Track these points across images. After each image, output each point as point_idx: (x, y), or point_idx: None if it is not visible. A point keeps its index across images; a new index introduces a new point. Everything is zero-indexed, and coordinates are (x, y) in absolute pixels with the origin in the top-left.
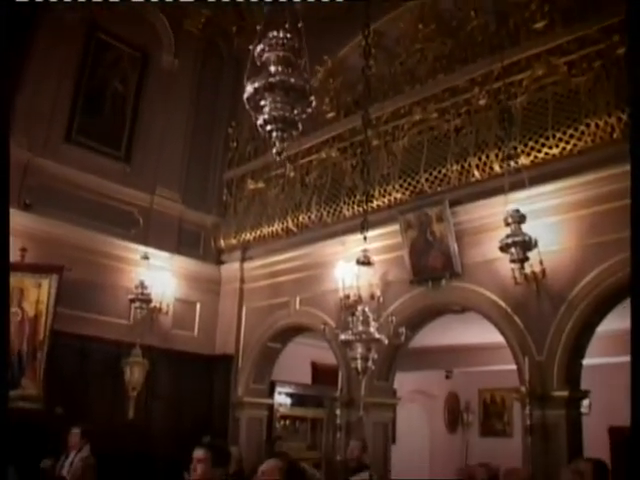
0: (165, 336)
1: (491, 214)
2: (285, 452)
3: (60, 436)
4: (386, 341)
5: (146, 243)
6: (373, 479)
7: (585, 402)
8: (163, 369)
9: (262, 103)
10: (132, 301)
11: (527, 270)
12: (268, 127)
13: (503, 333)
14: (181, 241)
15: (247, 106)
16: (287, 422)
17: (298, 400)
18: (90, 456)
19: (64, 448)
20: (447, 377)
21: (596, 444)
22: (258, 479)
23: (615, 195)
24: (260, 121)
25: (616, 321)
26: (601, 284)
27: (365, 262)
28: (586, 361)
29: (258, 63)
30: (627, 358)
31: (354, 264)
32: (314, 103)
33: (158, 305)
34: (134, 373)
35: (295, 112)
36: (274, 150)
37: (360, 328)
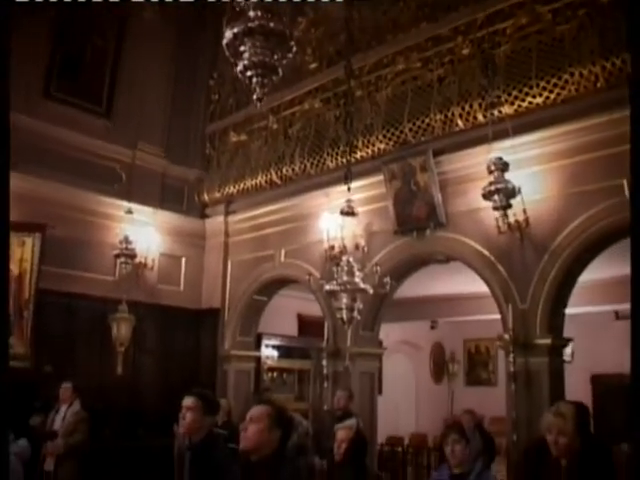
0: (151, 291)
1: (475, 164)
2: (273, 399)
3: (49, 393)
4: (371, 291)
5: (129, 199)
6: (360, 425)
7: (568, 350)
8: (150, 324)
9: (242, 49)
10: (117, 257)
11: (511, 219)
12: (248, 73)
13: (487, 282)
14: (164, 196)
15: (227, 53)
16: (274, 374)
17: (285, 352)
18: (82, 410)
19: (54, 404)
20: (432, 327)
21: (578, 392)
22: (246, 425)
23: (598, 144)
24: (240, 67)
25: (598, 271)
26: (583, 233)
27: (349, 213)
28: (569, 310)
29: (237, 9)
30: (609, 307)
31: (338, 215)
32: (294, 48)
33: (143, 260)
34: (121, 329)
35: (275, 57)
36: (254, 96)
37: (345, 278)
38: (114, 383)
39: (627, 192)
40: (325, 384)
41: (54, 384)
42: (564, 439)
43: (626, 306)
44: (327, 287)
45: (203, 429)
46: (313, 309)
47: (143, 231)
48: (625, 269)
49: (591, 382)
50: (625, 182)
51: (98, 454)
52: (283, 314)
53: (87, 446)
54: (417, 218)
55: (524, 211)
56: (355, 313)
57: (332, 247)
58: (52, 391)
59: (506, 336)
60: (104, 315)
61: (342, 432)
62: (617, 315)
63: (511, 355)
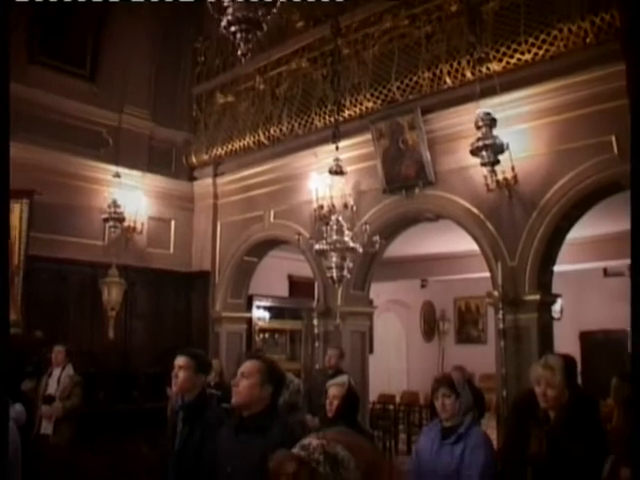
0: (141, 255)
1: (463, 121)
2: (265, 355)
3: (41, 359)
4: (360, 250)
5: (117, 163)
6: (351, 382)
7: (557, 307)
8: (141, 288)
9: (226, 4)
10: (105, 221)
11: (499, 177)
12: (232, 28)
13: (476, 240)
14: (152, 159)
15: (211, 10)
16: (266, 335)
17: (276, 313)
18: (76, 374)
19: (45, 368)
20: (422, 286)
21: (567, 348)
22: (238, 381)
23: (586, 101)
24: (224, 23)
25: (586, 228)
26: (572, 190)
27: (337, 172)
28: (557, 268)
29: None
30: (597, 264)
31: (327, 175)
32: (279, 3)
33: (132, 224)
34: (112, 293)
35: (259, 13)
36: (239, 52)
37: (334, 237)
38: (106, 347)
39: (616, 149)
40: (316, 344)
41: (45, 349)
42: (552, 391)
43: (614, 263)
44: (317, 246)
45: (195, 388)
46: (303, 270)
47: (131, 195)
48: (613, 226)
49: (580, 338)
50: (614, 138)
51: (92, 418)
52: (274, 275)
53: (82, 409)
54: (406, 176)
55: (512, 168)
56: (345, 272)
57: (321, 207)
58: (43, 355)
59: (495, 293)
60: (94, 280)
61: (334, 389)
62: (605, 272)
63: (500, 312)
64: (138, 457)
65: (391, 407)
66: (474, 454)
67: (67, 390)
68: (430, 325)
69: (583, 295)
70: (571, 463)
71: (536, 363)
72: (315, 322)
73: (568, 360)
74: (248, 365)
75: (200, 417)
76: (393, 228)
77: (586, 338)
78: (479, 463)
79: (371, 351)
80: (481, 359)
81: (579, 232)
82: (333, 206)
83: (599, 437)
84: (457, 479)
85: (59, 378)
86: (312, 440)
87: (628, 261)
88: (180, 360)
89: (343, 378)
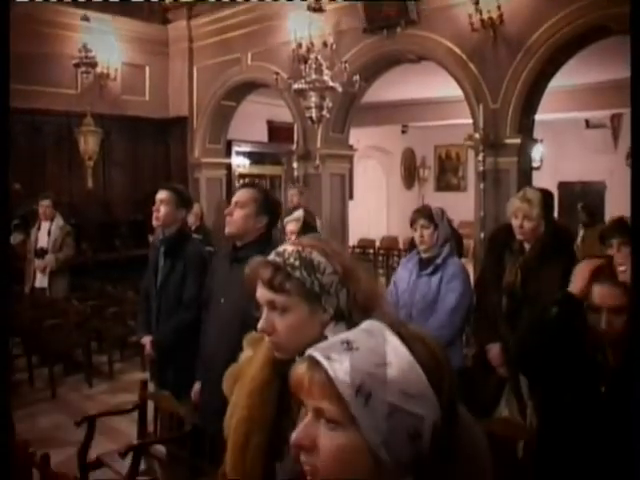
0: (116, 103)
1: None
2: (258, 183)
3: (24, 211)
4: (340, 89)
5: (86, 6)
6: (307, 216)
7: (537, 156)
8: (117, 136)
9: None
10: (77, 66)
11: (484, 16)
12: None
13: (459, 82)
14: (123, 1)
15: None
16: (246, 181)
17: (256, 158)
18: (65, 225)
19: (33, 221)
20: (403, 132)
21: None
22: (232, 210)
23: None
24: None
25: (570, 77)
26: (558, 33)
27: (316, 8)
28: (539, 117)
29: None
30: (580, 114)
31: (306, 13)
32: None
33: (105, 71)
34: (88, 142)
35: None
36: None
37: (313, 76)
38: (85, 197)
39: None
40: (303, 187)
41: (25, 202)
42: (529, 223)
43: (596, 114)
44: (295, 86)
45: (176, 222)
46: (283, 115)
47: (103, 40)
48: (597, 76)
49: (558, 188)
50: None
51: (77, 268)
52: (253, 121)
53: (82, 262)
54: (387, 15)
55: (498, 7)
56: (324, 112)
57: (299, 46)
58: (27, 208)
59: (476, 135)
60: (70, 130)
61: (291, 225)
62: (587, 124)
63: (481, 154)
64: (124, 301)
65: (371, 251)
66: (451, 284)
67: (59, 242)
68: (410, 172)
69: (563, 146)
70: (545, 292)
71: (514, 196)
72: (295, 165)
73: (546, 194)
74: (243, 194)
75: (181, 250)
76: (374, 69)
77: (564, 188)
78: (456, 292)
79: (351, 197)
80: (460, 206)
81: (563, 80)
82: (312, 44)
83: (572, 266)
84: (434, 309)
85: (49, 230)
86: (287, 247)
87: (609, 112)
88: (161, 194)
89: (298, 213)
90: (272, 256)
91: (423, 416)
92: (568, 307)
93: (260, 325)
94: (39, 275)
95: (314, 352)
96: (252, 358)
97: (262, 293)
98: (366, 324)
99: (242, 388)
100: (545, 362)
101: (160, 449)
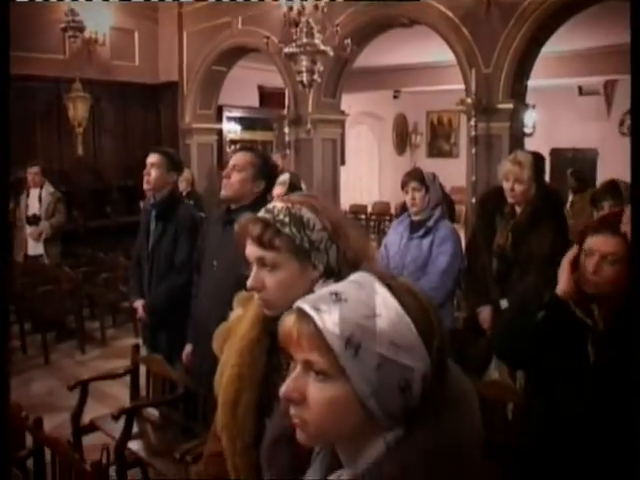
0: (105, 68)
1: None
2: (256, 147)
3: (15, 179)
4: (331, 53)
5: None
6: (293, 179)
7: (529, 122)
8: (107, 103)
9: None
10: (64, 30)
11: None
12: None
13: (451, 46)
14: None
15: None
16: (237, 147)
17: (247, 124)
18: (56, 191)
19: (22, 188)
20: (395, 97)
21: None
22: (229, 173)
23: None
24: None
25: (563, 42)
26: None
27: None
28: (532, 83)
29: None
30: (573, 80)
31: None
32: None
33: (93, 35)
34: (77, 109)
35: None
36: None
37: (304, 40)
38: (76, 164)
39: None
40: (287, 152)
41: (15, 169)
42: (520, 186)
43: (590, 80)
44: (286, 50)
45: (167, 185)
46: (274, 81)
47: (90, 4)
48: (590, 42)
49: (550, 155)
50: None
51: (70, 235)
52: (243, 86)
53: (73, 229)
54: None
55: None
56: (316, 76)
57: (290, 9)
58: (14, 176)
59: (469, 100)
60: (59, 96)
61: (277, 188)
62: (580, 91)
63: (473, 119)
64: (116, 267)
65: (363, 217)
66: (442, 247)
67: (51, 208)
68: (402, 138)
69: (556, 113)
70: (535, 255)
71: (505, 159)
72: (286, 130)
73: (537, 156)
74: (241, 157)
75: (173, 214)
76: (365, 33)
77: (556, 155)
78: (447, 255)
79: (343, 163)
80: (452, 173)
81: (556, 46)
82: (303, 8)
83: (563, 230)
84: (425, 272)
85: (40, 197)
86: (277, 203)
87: (603, 79)
88: (152, 158)
89: (284, 177)
90: (261, 213)
91: (413, 368)
92: (555, 310)
93: (249, 282)
94: (31, 242)
95: (302, 304)
96: (242, 317)
97: (251, 250)
98: (355, 276)
99: (232, 346)
100: (530, 355)
101: (153, 412)
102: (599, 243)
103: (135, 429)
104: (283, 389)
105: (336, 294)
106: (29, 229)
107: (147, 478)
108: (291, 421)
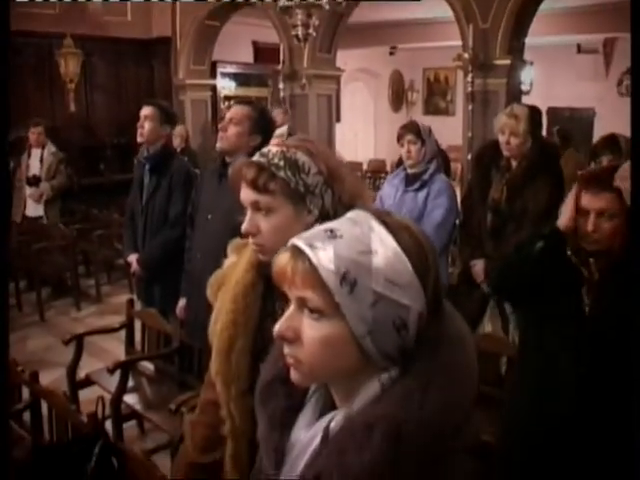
0: (97, 23)
1: None
2: (254, 101)
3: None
4: (327, 7)
5: None
6: (290, 130)
7: (527, 79)
8: (99, 58)
9: None
10: None
11: None
12: None
13: (448, 1)
14: None
15: None
16: (231, 103)
17: (241, 80)
18: (58, 151)
19: (23, 148)
20: (391, 54)
21: None
22: (226, 125)
23: None
24: None
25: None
26: None
27: None
28: (530, 40)
29: None
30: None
31: None
32: None
33: None
34: (69, 65)
35: None
36: None
37: None
38: (68, 121)
39: None
40: (284, 106)
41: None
42: (516, 140)
43: (589, 38)
44: (281, 3)
45: (161, 139)
46: (269, 36)
47: None
48: None
49: (547, 114)
50: None
51: (65, 192)
52: (238, 42)
53: (68, 187)
54: None
55: None
56: (311, 30)
57: None
58: (15, 134)
59: (466, 55)
60: (50, 52)
61: (275, 141)
62: (579, 49)
63: (470, 75)
64: (111, 224)
65: (358, 174)
66: (437, 200)
67: (52, 169)
68: (398, 95)
69: (554, 71)
70: (530, 209)
71: (501, 112)
72: (281, 86)
73: (533, 110)
74: (238, 111)
75: (166, 167)
76: None
77: (553, 114)
78: (442, 208)
79: (338, 120)
80: (448, 131)
81: (555, 3)
82: None
83: (559, 184)
84: (420, 225)
85: (41, 158)
86: (271, 147)
87: (602, 37)
88: (145, 110)
89: (282, 129)
90: (256, 157)
91: (409, 306)
92: (553, 242)
93: (244, 226)
94: (31, 203)
95: (297, 241)
96: (236, 263)
97: (246, 194)
98: (351, 213)
99: (226, 293)
100: (526, 291)
101: (148, 366)
102: (592, 201)
103: (131, 383)
104: (277, 327)
105: (331, 231)
106: (29, 190)
107: (143, 431)
108: (285, 362)
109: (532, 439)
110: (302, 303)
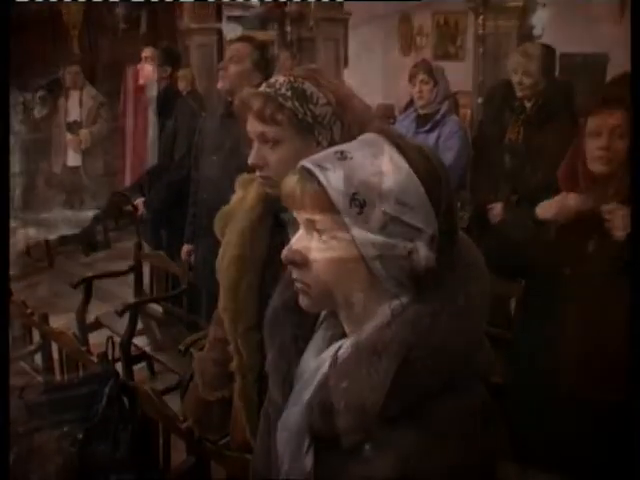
0: None
1: None
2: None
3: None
4: None
5: None
6: None
7: (539, 24)
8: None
9: None
10: None
11: None
12: None
13: None
14: None
15: None
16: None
17: (247, 24)
18: (99, 94)
19: (59, 92)
20: None
21: None
22: (227, 64)
23: None
24: None
25: None
26: None
27: None
28: None
29: None
30: None
31: None
32: None
33: None
34: (72, 13)
35: None
36: None
37: None
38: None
39: None
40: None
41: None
42: (528, 79)
43: None
44: None
45: (161, 80)
46: None
47: None
48: None
49: (559, 60)
50: None
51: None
52: None
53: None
54: None
55: None
56: None
57: None
58: (49, 77)
59: None
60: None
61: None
62: None
63: (481, 17)
64: None
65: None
66: (448, 142)
67: (92, 113)
68: (407, 40)
69: (567, 15)
70: (547, 148)
71: (515, 51)
72: (288, 29)
73: (547, 49)
74: (238, 48)
75: (170, 109)
76: None
77: (566, 60)
78: (453, 150)
79: (346, 64)
80: (458, 76)
81: None
82: None
83: (575, 123)
84: None
85: (80, 101)
86: (279, 77)
87: None
88: (147, 51)
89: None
90: (263, 87)
91: (419, 228)
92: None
93: (251, 159)
94: (71, 152)
95: (306, 163)
96: (243, 198)
97: (253, 125)
98: (362, 136)
99: (233, 228)
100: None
101: (157, 309)
102: (605, 120)
103: (140, 326)
104: (285, 251)
105: (341, 152)
106: (69, 137)
107: (153, 372)
108: (294, 291)
109: (540, 379)
110: (311, 225)
